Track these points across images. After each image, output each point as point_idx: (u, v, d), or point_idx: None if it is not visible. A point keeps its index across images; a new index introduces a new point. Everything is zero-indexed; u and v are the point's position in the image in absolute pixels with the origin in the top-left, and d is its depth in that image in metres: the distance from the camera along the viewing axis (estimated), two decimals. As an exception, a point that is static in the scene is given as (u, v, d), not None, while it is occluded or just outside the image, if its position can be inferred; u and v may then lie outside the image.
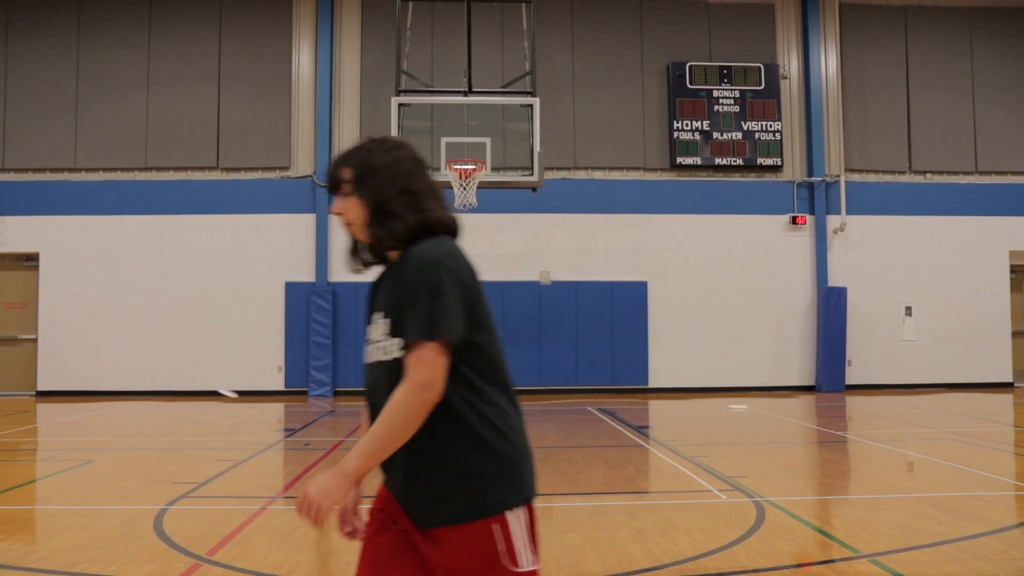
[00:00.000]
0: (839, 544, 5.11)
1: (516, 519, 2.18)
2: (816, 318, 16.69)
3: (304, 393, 16.10)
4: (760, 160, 16.93)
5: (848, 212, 16.96)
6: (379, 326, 2.17)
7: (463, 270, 2.11)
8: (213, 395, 15.81)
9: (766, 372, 16.58)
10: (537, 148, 13.33)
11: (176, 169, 16.58)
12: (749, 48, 17.25)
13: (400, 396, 2.00)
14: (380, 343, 2.15)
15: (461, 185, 13.02)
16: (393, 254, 2.24)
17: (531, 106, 13.39)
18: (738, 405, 13.62)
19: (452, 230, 2.22)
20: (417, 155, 2.29)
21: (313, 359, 16.04)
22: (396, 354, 2.09)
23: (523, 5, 14.94)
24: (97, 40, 16.69)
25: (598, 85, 16.97)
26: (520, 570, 2.13)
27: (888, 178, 17.36)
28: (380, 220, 2.21)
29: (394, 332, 2.10)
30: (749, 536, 5.21)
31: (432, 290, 2.04)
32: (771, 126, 16.98)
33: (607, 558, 4.75)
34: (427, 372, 2.00)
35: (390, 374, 2.09)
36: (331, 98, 16.64)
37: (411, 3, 15.02)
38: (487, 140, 13.45)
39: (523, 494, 2.24)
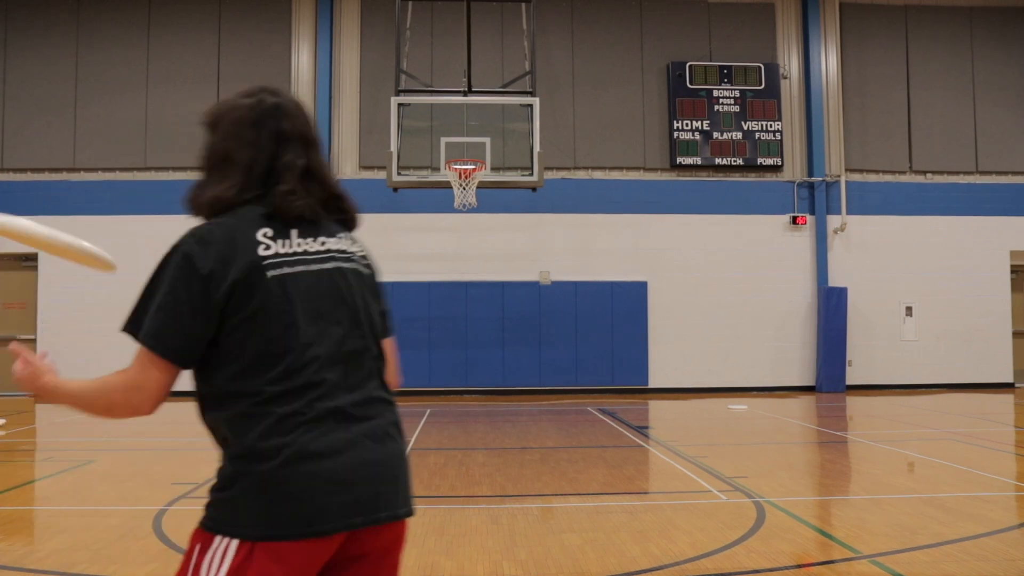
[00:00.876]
0: (839, 544, 5.11)
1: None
2: (816, 318, 16.68)
3: (304, 393, 16.08)
4: (760, 160, 16.93)
5: (848, 212, 16.95)
6: None
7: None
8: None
9: (766, 372, 16.57)
10: (537, 148, 13.33)
11: (176, 169, 16.57)
12: (749, 48, 17.24)
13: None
14: None
15: (461, 185, 13.02)
16: None
17: (531, 106, 13.39)
18: (738, 405, 13.61)
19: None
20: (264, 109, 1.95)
21: (313, 359, 16.02)
22: None
23: (523, 5, 14.93)
24: (96, 40, 16.68)
25: (598, 85, 16.96)
26: None
27: (888, 178, 17.36)
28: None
29: None
30: (749, 536, 5.21)
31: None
32: (771, 126, 16.97)
33: (607, 558, 4.75)
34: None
35: None
36: (330, 98, 16.64)
37: (411, 3, 15.01)
38: (487, 140, 13.45)
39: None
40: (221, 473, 1.79)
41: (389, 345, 2.06)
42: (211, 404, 1.87)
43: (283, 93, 2.03)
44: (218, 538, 1.73)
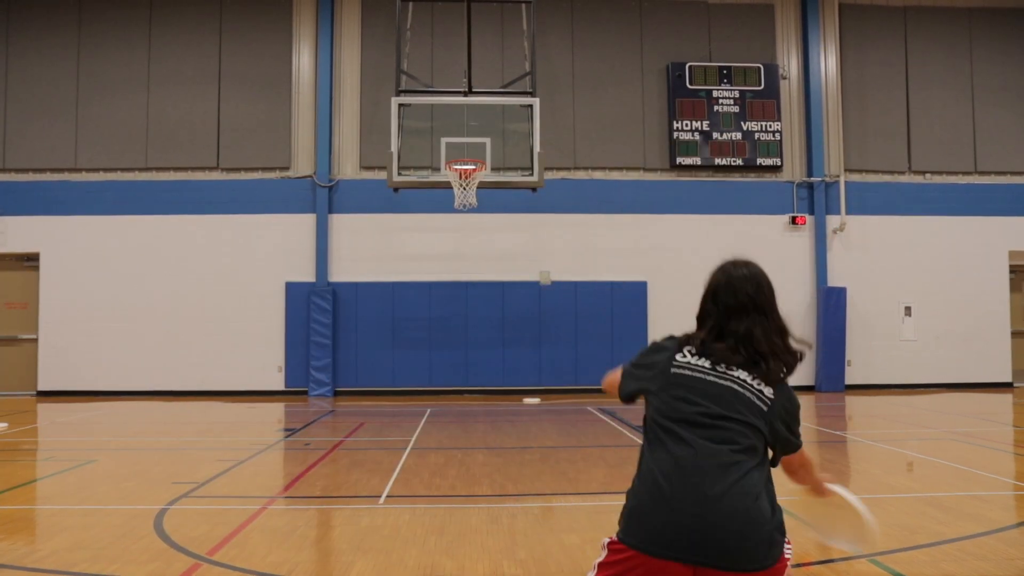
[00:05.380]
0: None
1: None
2: (816, 318, 16.70)
3: (304, 393, 16.11)
4: (760, 160, 16.94)
5: (848, 212, 16.97)
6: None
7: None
8: (213, 395, 15.84)
9: (766, 372, 16.54)
10: (537, 148, 13.34)
11: (176, 169, 16.60)
12: (749, 48, 17.26)
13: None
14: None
15: (461, 185, 13.03)
16: None
17: (531, 106, 13.40)
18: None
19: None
20: None
21: (313, 359, 16.05)
22: None
23: (523, 5, 14.94)
24: (97, 40, 16.70)
25: (598, 85, 16.98)
26: None
27: (888, 178, 17.37)
28: None
29: None
30: (748, 536, 5.21)
31: None
32: (771, 126, 16.99)
33: (607, 558, 4.75)
34: None
35: None
36: (331, 98, 16.65)
37: (411, 3, 15.02)
38: (487, 140, 13.45)
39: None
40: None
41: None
42: None
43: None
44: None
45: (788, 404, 2.49)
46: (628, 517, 2.38)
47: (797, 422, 2.54)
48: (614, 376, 2.71)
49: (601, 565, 2.38)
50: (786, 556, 2.47)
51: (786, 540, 2.50)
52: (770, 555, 2.38)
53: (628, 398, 2.63)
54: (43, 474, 7.96)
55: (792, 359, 2.51)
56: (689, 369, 2.47)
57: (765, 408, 2.43)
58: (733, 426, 2.39)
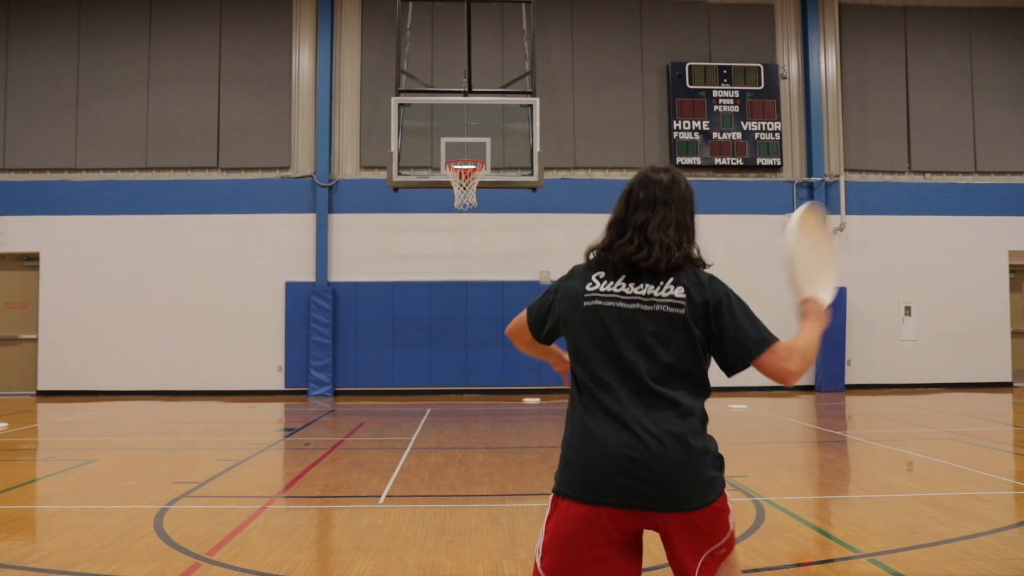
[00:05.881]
0: (838, 544, 5.12)
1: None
2: (816, 318, 16.66)
3: (304, 393, 16.11)
4: (760, 160, 16.95)
5: (848, 212, 16.97)
6: None
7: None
8: (214, 395, 15.84)
9: (766, 372, 16.54)
10: (537, 148, 13.34)
11: (176, 169, 16.59)
12: (749, 48, 17.26)
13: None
14: None
15: (461, 185, 13.02)
16: None
17: (531, 106, 13.39)
18: (738, 405, 13.63)
19: None
20: None
21: (313, 359, 16.05)
22: None
23: (523, 5, 14.94)
24: (97, 40, 16.69)
25: (598, 85, 16.98)
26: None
27: (888, 178, 17.38)
28: None
29: None
30: (749, 536, 5.22)
31: None
32: (771, 126, 16.99)
33: (607, 557, 4.75)
34: None
35: None
36: (331, 98, 16.65)
37: (411, 3, 15.02)
38: (487, 140, 13.45)
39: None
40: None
41: None
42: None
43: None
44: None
45: (710, 295, 2.34)
46: (563, 467, 2.35)
47: (736, 311, 2.34)
48: (520, 318, 2.64)
49: (548, 520, 2.35)
50: (726, 497, 2.33)
51: (724, 482, 2.34)
52: (702, 494, 2.25)
53: (548, 337, 2.56)
54: (43, 474, 7.96)
55: (682, 257, 2.37)
56: (600, 298, 2.37)
57: (683, 312, 2.31)
58: (654, 357, 2.29)
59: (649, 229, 2.39)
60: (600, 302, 2.37)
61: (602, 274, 2.42)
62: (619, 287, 2.37)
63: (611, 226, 2.49)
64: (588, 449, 2.28)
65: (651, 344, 2.31)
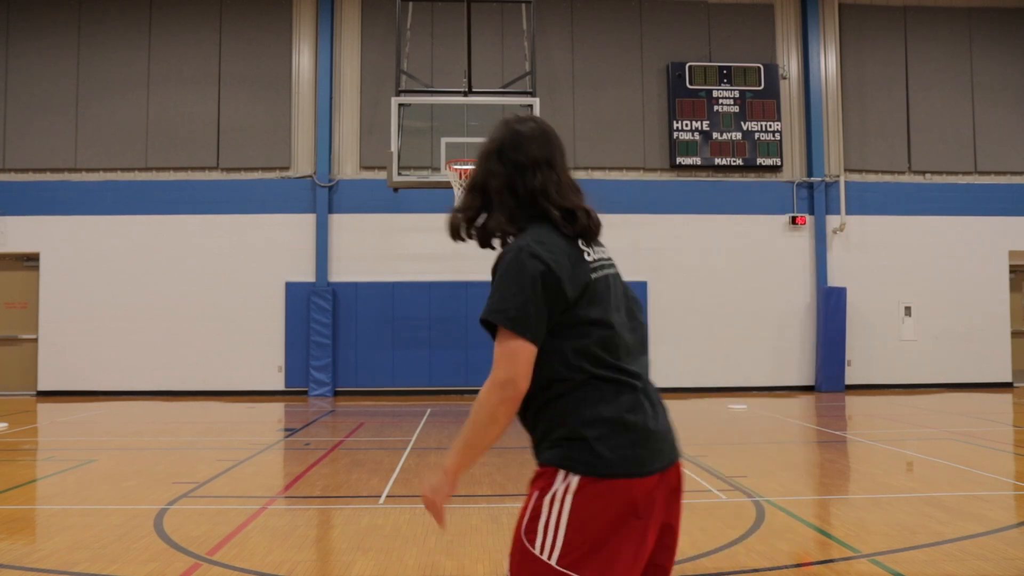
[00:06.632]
0: (838, 544, 5.12)
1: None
2: (816, 318, 16.70)
3: (304, 393, 16.11)
4: (760, 160, 16.95)
5: (848, 212, 16.97)
6: None
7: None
8: (213, 395, 15.84)
9: (766, 372, 16.58)
10: (537, 148, 13.31)
11: (176, 169, 16.59)
12: (749, 48, 17.26)
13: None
14: None
15: (461, 185, 13.03)
16: None
17: (531, 106, 13.39)
18: (738, 405, 13.63)
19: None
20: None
21: (313, 359, 16.05)
22: None
23: (523, 5, 14.95)
24: (97, 40, 16.70)
25: (598, 85, 16.98)
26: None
27: (888, 178, 17.38)
28: None
29: None
30: (749, 536, 5.22)
31: None
32: (771, 126, 16.99)
33: (607, 558, 4.75)
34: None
35: None
36: (331, 98, 16.65)
37: (411, 3, 15.03)
38: (487, 140, 13.43)
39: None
40: None
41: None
42: None
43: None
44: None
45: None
46: (629, 445, 2.05)
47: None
48: (522, 358, 2.17)
49: (571, 511, 2.03)
50: None
51: None
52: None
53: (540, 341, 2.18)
54: (43, 474, 7.96)
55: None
56: (598, 267, 2.24)
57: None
58: (635, 323, 2.27)
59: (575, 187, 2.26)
60: (602, 271, 2.20)
61: (581, 242, 2.21)
62: (597, 253, 2.23)
63: (545, 191, 2.25)
64: (639, 419, 2.08)
65: (634, 310, 2.30)
